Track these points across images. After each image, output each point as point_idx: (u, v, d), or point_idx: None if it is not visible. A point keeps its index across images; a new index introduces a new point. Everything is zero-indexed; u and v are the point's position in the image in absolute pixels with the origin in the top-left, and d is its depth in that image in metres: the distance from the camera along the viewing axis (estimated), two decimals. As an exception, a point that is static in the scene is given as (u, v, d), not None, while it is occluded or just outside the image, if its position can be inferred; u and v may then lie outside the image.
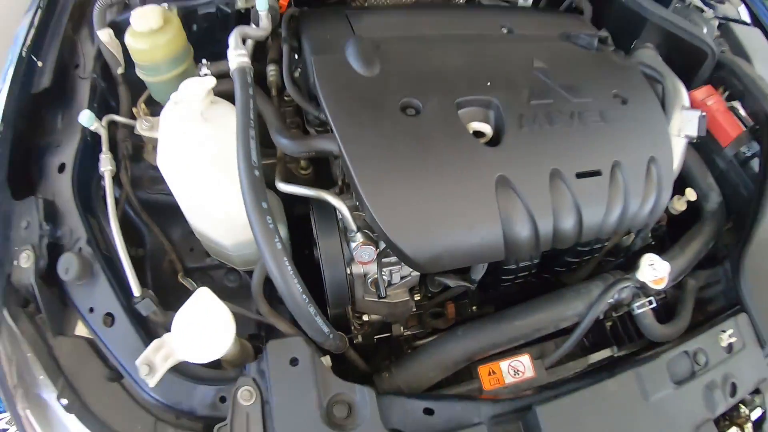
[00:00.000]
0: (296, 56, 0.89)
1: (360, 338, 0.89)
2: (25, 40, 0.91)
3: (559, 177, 0.74)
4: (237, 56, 0.74)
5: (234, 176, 0.66)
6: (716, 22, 1.21)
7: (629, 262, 0.93)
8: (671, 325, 0.83)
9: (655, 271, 0.80)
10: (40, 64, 0.91)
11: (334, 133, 0.66)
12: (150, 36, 0.81)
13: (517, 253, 0.72)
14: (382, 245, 0.71)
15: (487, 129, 0.74)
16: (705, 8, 1.24)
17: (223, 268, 0.92)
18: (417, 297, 0.86)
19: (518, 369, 0.78)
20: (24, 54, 0.89)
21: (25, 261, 0.73)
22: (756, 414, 0.77)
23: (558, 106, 0.79)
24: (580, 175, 0.75)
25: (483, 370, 0.76)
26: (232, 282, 0.92)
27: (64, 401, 0.68)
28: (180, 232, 0.94)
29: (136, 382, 0.68)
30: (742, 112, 1.07)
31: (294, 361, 0.64)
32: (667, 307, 0.90)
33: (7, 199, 0.79)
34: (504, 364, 0.77)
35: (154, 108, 0.96)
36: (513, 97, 0.76)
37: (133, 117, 0.94)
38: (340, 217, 0.70)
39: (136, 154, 0.95)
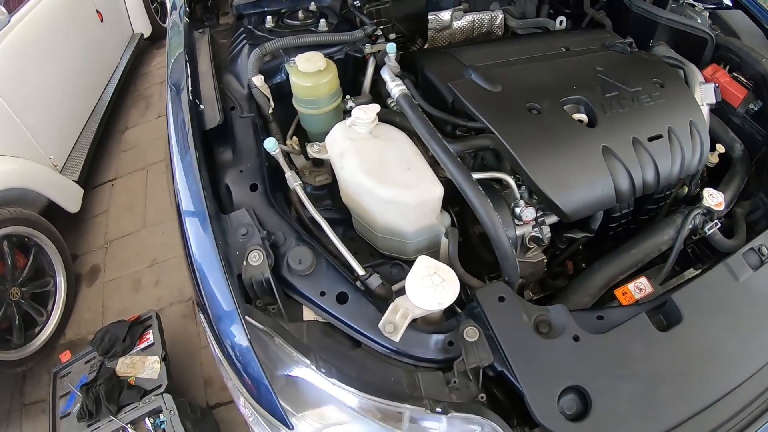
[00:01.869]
0: (415, 88, 1.33)
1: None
2: (188, 86, 1.25)
3: (638, 142, 1.20)
4: (396, 86, 1.17)
5: (419, 172, 1.07)
6: (706, 12, 1.79)
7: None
8: (735, 238, 1.28)
9: (714, 197, 1.28)
10: (202, 107, 1.28)
11: (493, 131, 1.09)
12: (315, 75, 1.22)
13: (622, 199, 1.16)
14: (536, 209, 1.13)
15: (584, 117, 1.20)
16: (695, 3, 1.83)
17: (387, 263, 1.28)
18: (545, 259, 1.28)
19: (640, 288, 1.19)
20: (190, 98, 1.23)
21: (256, 260, 0.97)
22: None
23: (622, 95, 1.26)
24: (650, 139, 1.22)
25: (618, 292, 1.17)
26: (396, 276, 1.29)
27: (323, 369, 0.99)
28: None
29: (377, 342, 1.01)
30: (743, 79, 1.62)
31: (501, 299, 1.01)
32: (726, 232, 1.36)
33: (219, 214, 1.07)
34: (631, 285, 1.19)
35: (299, 140, 1.36)
36: (593, 94, 1.23)
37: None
38: (501, 192, 1.13)
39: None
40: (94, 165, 2.91)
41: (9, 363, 2.12)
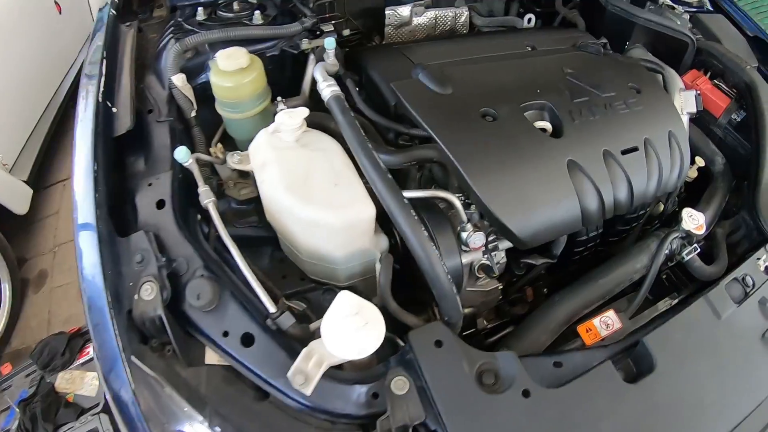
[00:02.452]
0: (357, 89, 1.10)
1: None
2: (99, 86, 1.02)
3: (610, 155, 0.98)
4: (328, 86, 0.94)
5: (348, 188, 0.84)
6: (687, 16, 1.58)
7: (665, 226, 1.21)
8: (715, 265, 1.07)
9: (694, 220, 1.06)
10: (114, 110, 1.04)
11: (437, 141, 0.87)
12: (237, 75, 0.98)
13: (589, 221, 0.94)
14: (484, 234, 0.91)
15: (548, 126, 0.98)
16: (674, 6, 1.62)
17: (319, 288, 1.06)
18: (500, 287, 1.06)
19: (608, 323, 0.98)
20: (101, 99, 1.01)
21: (148, 293, 0.77)
22: None
23: (593, 101, 1.05)
24: (624, 152, 1.00)
25: (581, 329, 0.96)
26: (329, 301, 1.06)
27: (218, 428, 0.78)
28: (268, 261, 1.08)
29: (286, 395, 0.79)
30: (725, 87, 1.41)
31: (438, 343, 0.79)
32: (705, 256, 1.15)
33: (113, 236, 0.86)
34: (596, 321, 0.97)
35: (226, 147, 1.12)
36: (560, 99, 1.01)
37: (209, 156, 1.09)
38: (445, 212, 0.90)
39: (218, 191, 1.09)
40: (45, 164, 2.61)
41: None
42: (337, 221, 0.85)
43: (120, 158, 1.04)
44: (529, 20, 1.39)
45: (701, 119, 1.33)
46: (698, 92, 1.23)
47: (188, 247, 0.88)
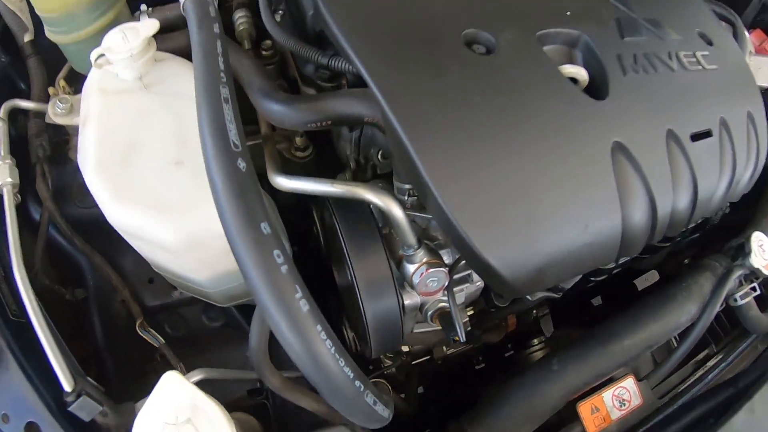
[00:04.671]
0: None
1: (393, 370, 0.60)
2: None
3: (675, 140, 0.46)
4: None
5: (201, 173, 0.33)
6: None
7: (705, 246, 0.70)
8: (779, 314, 0.59)
9: (765, 253, 0.56)
10: None
11: (369, 84, 0.34)
12: None
13: (630, 250, 0.44)
14: (452, 257, 0.40)
15: (582, 74, 0.44)
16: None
17: (198, 303, 0.57)
18: (470, 312, 0.57)
19: (623, 398, 0.51)
20: None
21: None
22: None
23: (653, 45, 0.50)
24: (694, 137, 0.48)
25: (584, 408, 0.48)
26: (213, 320, 0.58)
27: None
28: (132, 257, 0.58)
29: None
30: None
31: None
32: (760, 302, 0.66)
33: None
34: (607, 396, 0.50)
35: (78, 86, 0.59)
36: (603, 32, 0.46)
37: (47, 101, 0.57)
38: (382, 225, 0.39)
39: (58, 154, 0.58)
40: None
41: None
42: (167, 236, 0.35)
43: None
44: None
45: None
46: (775, 58, 0.67)
47: None
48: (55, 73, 0.59)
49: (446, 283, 0.38)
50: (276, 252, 0.26)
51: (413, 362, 0.63)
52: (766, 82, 0.68)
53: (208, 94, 0.31)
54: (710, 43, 0.57)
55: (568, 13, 0.46)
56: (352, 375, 0.28)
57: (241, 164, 0.28)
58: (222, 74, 0.33)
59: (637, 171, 0.42)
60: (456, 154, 0.34)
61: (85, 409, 0.37)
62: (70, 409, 0.37)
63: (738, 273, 0.54)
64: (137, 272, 0.57)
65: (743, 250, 0.55)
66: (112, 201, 0.37)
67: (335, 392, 0.28)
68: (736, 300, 0.57)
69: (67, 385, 0.37)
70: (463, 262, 0.41)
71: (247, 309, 0.56)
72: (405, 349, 0.57)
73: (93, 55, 0.43)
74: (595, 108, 0.41)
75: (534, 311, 0.65)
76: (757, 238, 0.56)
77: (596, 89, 0.44)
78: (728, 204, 0.68)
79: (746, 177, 0.55)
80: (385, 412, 0.33)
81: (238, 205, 0.27)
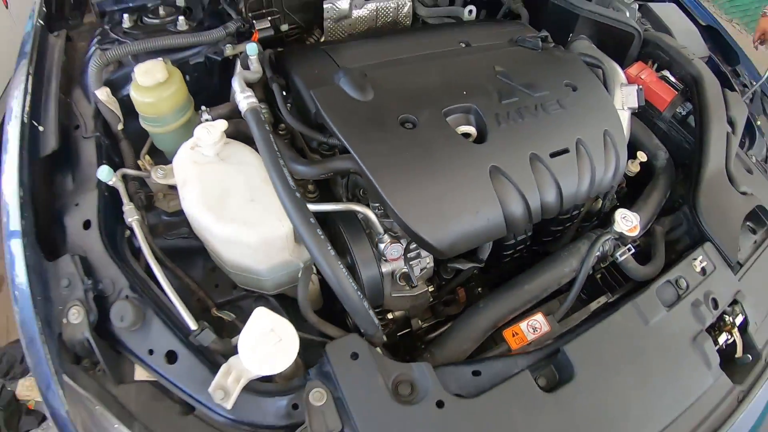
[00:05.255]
0: (284, 93, 1.08)
1: (384, 337, 1.08)
2: (24, 106, 1.01)
3: (537, 159, 0.97)
4: (245, 98, 0.92)
5: (264, 203, 0.83)
6: (636, 5, 1.55)
7: (602, 224, 1.21)
8: (650, 265, 1.08)
9: (627, 221, 1.06)
10: (41, 128, 1.02)
11: (351, 152, 0.85)
12: (156, 89, 0.96)
13: (515, 227, 0.94)
14: (405, 242, 0.91)
15: (472, 130, 0.97)
16: (625, -6, 1.58)
17: (250, 297, 1.06)
18: (431, 288, 1.06)
19: (535, 326, 0.99)
20: (26, 120, 0.99)
21: (76, 317, 0.81)
22: (739, 320, 1.03)
23: (524, 102, 1.03)
24: (553, 155, 0.99)
25: (507, 333, 0.97)
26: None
27: None
28: (201, 271, 1.08)
29: (210, 409, 0.81)
30: (672, 79, 1.39)
31: (354, 356, 0.81)
32: (642, 254, 1.16)
33: (41, 262, 0.88)
34: (523, 325, 0.98)
35: (156, 159, 1.10)
36: (487, 101, 1.00)
37: (138, 169, 1.08)
38: (365, 227, 0.89)
39: (147, 203, 1.08)
40: None
41: None
42: (251, 239, 0.85)
43: (49, 177, 1.03)
44: (470, 12, 1.35)
45: (645, 113, 1.32)
46: (640, 87, 1.21)
47: (114, 268, 0.90)
48: (136, 150, 1.11)
49: (402, 252, 0.88)
50: (319, 231, 0.77)
51: (398, 334, 1.10)
52: (635, 104, 1.22)
53: (273, 162, 0.83)
54: (575, 89, 1.11)
55: (465, 92, 0.99)
56: (360, 296, 0.77)
57: (297, 194, 0.79)
58: (277, 152, 0.85)
59: (509, 180, 0.93)
60: (401, 184, 0.85)
61: (205, 338, 0.84)
62: (197, 338, 0.84)
63: (606, 237, 1.04)
64: (206, 281, 1.06)
65: (611, 222, 1.06)
66: (217, 223, 0.86)
67: (352, 304, 0.77)
68: (617, 258, 1.07)
69: (193, 325, 0.84)
70: (412, 243, 0.91)
71: (283, 297, 1.05)
72: (390, 316, 1.05)
73: (188, 143, 0.95)
74: (478, 148, 0.93)
75: (478, 288, 1.14)
76: (620, 212, 1.06)
77: (481, 137, 0.96)
78: (614, 197, 1.21)
79: (608, 176, 1.07)
80: (377, 323, 0.81)
81: (302, 214, 0.78)
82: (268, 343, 0.79)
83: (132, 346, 0.85)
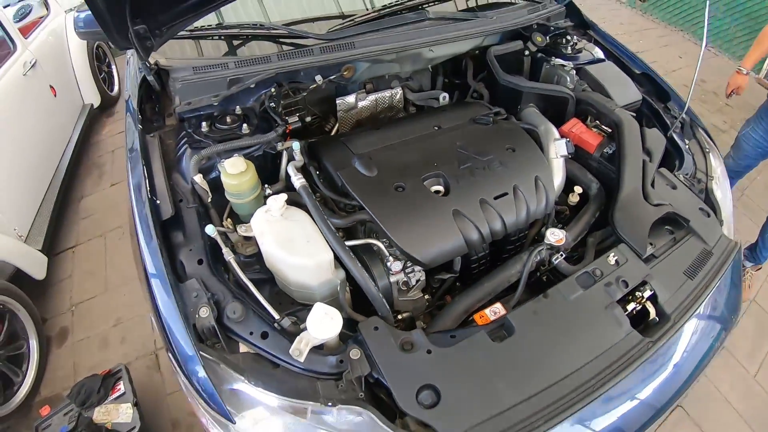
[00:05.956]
0: (317, 172, 2.18)
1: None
2: (146, 187, 2.14)
3: (486, 202, 2.04)
4: (298, 180, 2.02)
5: (315, 243, 1.93)
6: (573, 71, 2.64)
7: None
8: (580, 264, 2.10)
9: (554, 235, 2.10)
10: (158, 201, 2.14)
11: (366, 209, 1.93)
12: (239, 176, 2.07)
13: (474, 247, 1.98)
14: (403, 261, 1.97)
15: (441, 188, 2.05)
16: (565, 63, 2.69)
17: (304, 309, 2.11)
18: (427, 297, 2.11)
19: (495, 311, 2.01)
20: (149, 196, 2.12)
21: (204, 314, 1.83)
22: (647, 294, 2.02)
23: (476, 165, 2.11)
24: (496, 198, 2.06)
25: (477, 316, 1.99)
26: None
27: (252, 382, 1.83)
28: (268, 294, 2.15)
29: (290, 364, 1.84)
30: (604, 126, 2.47)
31: (376, 328, 1.84)
32: (579, 259, 2.18)
33: (177, 284, 1.94)
34: (487, 310, 2.00)
35: (235, 220, 2.21)
36: (450, 168, 2.08)
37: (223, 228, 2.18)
38: (378, 254, 1.97)
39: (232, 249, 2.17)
40: (55, 233, 3.79)
41: (-10, 422, 2.94)
42: (310, 263, 1.93)
43: (166, 234, 2.14)
44: (444, 98, 2.48)
45: (581, 155, 2.39)
46: (569, 139, 2.29)
47: (221, 286, 1.96)
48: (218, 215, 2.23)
49: (402, 267, 1.94)
50: (352, 255, 1.85)
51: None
52: (566, 152, 2.30)
53: (320, 218, 1.93)
54: (513, 150, 2.21)
55: (435, 164, 2.09)
56: (377, 289, 1.84)
57: (337, 235, 1.89)
58: (325, 216, 1.95)
59: (466, 217, 2.00)
60: (398, 225, 1.93)
61: (285, 323, 1.89)
62: (281, 323, 1.90)
63: (540, 248, 2.08)
64: (272, 300, 2.13)
65: (543, 238, 2.11)
66: (290, 256, 1.95)
67: (372, 295, 1.84)
68: (552, 262, 2.12)
69: (276, 315, 1.90)
70: (408, 261, 1.99)
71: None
72: (400, 317, 2.09)
73: (263, 209, 2.06)
74: (444, 200, 2.01)
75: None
76: (550, 231, 2.11)
77: (447, 192, 2.05)
78: (556, 220, 2.28)
79: (541, 207, 2.14)
80: (388, 308, 1.88)
81: (341, 246, 1.86)
82: (324, 320, 1.84)
83: (238, 331, 1.84)
